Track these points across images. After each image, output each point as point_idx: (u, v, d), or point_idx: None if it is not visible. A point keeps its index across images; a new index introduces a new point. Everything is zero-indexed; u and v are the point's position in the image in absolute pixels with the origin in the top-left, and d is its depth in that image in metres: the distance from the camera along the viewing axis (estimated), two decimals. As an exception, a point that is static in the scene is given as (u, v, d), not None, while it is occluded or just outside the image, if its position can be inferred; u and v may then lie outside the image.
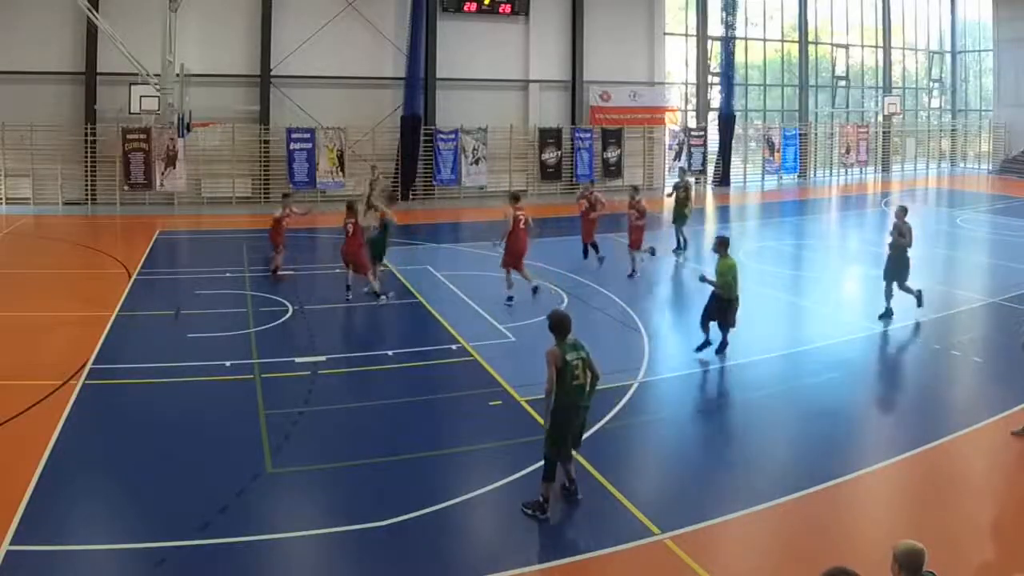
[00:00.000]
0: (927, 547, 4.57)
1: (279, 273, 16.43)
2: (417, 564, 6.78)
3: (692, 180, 21.01)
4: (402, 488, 7.95)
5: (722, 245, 11.86)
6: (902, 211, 13.98)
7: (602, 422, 9.40)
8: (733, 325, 11.84)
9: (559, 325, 7.60)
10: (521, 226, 14.88)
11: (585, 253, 18.36)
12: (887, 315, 13.71)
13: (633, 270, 17.06)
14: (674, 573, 6.69)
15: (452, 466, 8.69)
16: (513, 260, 14.88)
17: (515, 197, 15.46)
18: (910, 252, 13.74)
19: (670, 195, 20.79)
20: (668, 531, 7.16)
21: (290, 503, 7.87)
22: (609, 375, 10.96)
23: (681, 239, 19.76)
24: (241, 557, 6.83)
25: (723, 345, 11.87)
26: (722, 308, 11.76)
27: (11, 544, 6.75)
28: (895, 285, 13.72)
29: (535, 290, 15.01)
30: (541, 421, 8.00)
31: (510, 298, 14.64)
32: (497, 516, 7.73)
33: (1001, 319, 13.98)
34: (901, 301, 13.72)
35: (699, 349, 11.78)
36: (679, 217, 19.92)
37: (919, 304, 13.79)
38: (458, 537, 7.40)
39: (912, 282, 13.82)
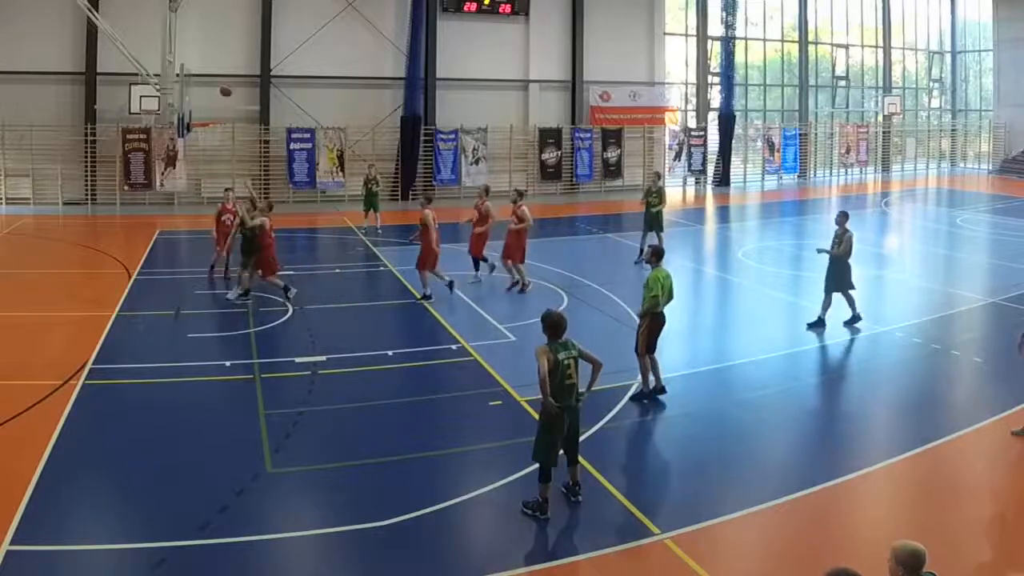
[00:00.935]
0: (927, 547, 4.55)
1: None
2: (417, 564, 6.77)
3: (663, 185, 19.06)
4: (402, 488, 7.95)
5: (655, 256, 10.48)
6: (843, 217, 13.34)
7: (602, 422, 9.41)
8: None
9: (553, 326, 7.63)
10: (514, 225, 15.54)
11: (476, 266, 16.33)
12: (818, 324, 13.07)
13: (516, 283, 15.59)
14: (674, 573, 6.69)
15: (452, 466, 8.68)
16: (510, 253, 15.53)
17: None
18: (851, 260, 13.15)
19: (641, 202, 18.92)
20: (668, 531, 7.15)
21: (290, 503, 7.86)
22: (609, 375, 10.97)
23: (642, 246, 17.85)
24: (241, 557, 6.83)
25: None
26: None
27: (11, 544, 6.74)
28: (833, 295, 13.11)
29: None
30: (537, 416, 8.00)
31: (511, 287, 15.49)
32: (497, 516, 7.73)
33: (1001, 319, 13.98)
34: (899, 303, 13.73)
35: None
36: (654, 224, 18.44)
37: (854, 320, 13.18)
38: (458, 537, 7.40)
39: (908, 281, 13.77)
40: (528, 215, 15.57)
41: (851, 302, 13.22)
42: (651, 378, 10.23)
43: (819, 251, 13.44)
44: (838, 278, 13.12)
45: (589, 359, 7.63)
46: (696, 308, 15.37)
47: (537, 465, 7.48)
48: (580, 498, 7.73)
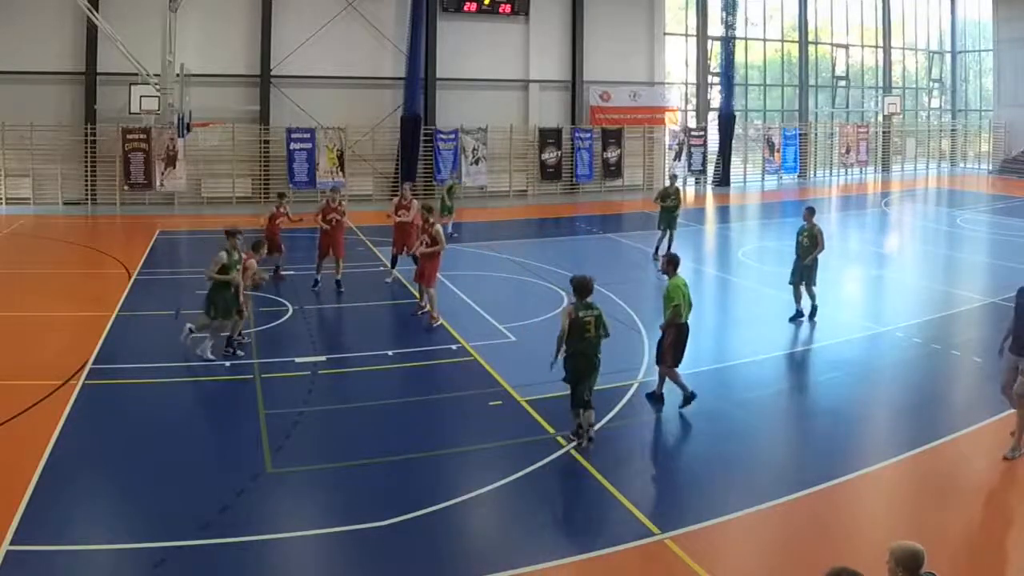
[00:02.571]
0: (926, 547, 4.55)
1: (280, 273, 16.37)
2: (417, 564, 6.78)
3: (679, 186, 19.32)
4: (402, 488, 7.95)
5: (671, 265, 10.29)
6: (809, 212, 13.88)
7: (602, 422, 9.40)
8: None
9: (578, 287, 8.77)
10: None
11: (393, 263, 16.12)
12: (798, 316, 13.63)
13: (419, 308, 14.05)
14: (674, 573, 6.69)
15: (452, 466, 8.68)
16: None
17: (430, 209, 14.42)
18: (820, 255, 13.65)
19: (656, 202, 19.07)
20: (668, 531, 7.16)
21: (290, 503, 7.87)
22: (609, 375, 10.99)
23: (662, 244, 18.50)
24: (241, 557, 6.83)
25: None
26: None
27: (11, 544, 6.74)
28: (803, 287, 13.63)
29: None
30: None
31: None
32: (497, 516, 7.74)
33: (1001, 319, 13.88)
34: (899, 303, 13.72)
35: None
36: (670, 225, 18.62)
37: (812, 315, 13.62)
38: (458, 537, 7.40)
39: (908, 281, 13.79)
40: (442, 237, 13.61)
41: (799, 298, 13.76)
42: (668, 386, 10.07)
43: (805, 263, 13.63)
44: (807, 271, 13.65)
45: (602, 326, 8.74)
46: (696, 308, 15.27)
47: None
48: (585, 443, 8.65)
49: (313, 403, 10.16)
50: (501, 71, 30.34)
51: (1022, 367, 8.70)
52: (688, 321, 10.02)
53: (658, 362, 10.11)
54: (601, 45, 31.50)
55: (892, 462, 8.63)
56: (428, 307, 13.57)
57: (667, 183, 19.84)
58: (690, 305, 10.08)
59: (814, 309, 13.74)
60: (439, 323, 13.24)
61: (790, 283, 13.78)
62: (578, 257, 18.49)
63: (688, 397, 9.91)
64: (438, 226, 13.64)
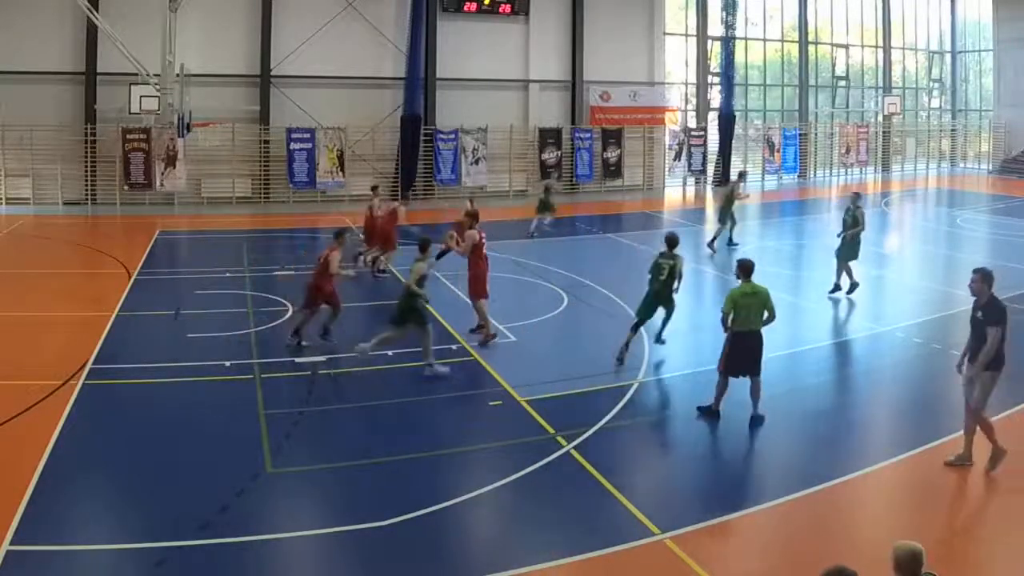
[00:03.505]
0: (926, 548, 4.57)
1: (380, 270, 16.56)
2: (417, 564, 6.77)
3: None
4: (402, 488, 7.95)
5: (743, 270, 9.76)
6: (855, 196, 16.08)
7: (602, 422, 9.41)
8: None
9: (669, 241, 11.76)
10: None
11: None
12: (836, 290, 15.28)
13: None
14: (674, 573, 6.69)
15: (452, 466, 8.68)
16: None
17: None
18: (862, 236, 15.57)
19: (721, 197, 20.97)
20: (668, 531, 7.15)
21: (290, 503, 7.87)
22: (609, 375, 11.01)
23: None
24: (241, 557, 6.83)
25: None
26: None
27: (11, 544, 6.74)
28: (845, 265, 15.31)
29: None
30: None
31: None
32: (497, 516, 7.74)
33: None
34: (899, 303, 13.72)
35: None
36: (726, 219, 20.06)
37: (851, 290, 15.24)
38: (458, 537, 7.40)
39: (908, 281, 13.84)
40: (470, 239, 12.76)
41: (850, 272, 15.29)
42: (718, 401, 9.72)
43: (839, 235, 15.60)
44: (852, 251, 15.40)
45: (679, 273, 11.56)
46: (696, 308, 15.36)
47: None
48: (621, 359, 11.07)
49: (313, 403, 10.17)
50: (501, 71, 30.33)
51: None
52: (755, 331, 9.47)
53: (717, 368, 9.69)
54: (601, 45, 31.49)
55: (892, 462, 8.63)
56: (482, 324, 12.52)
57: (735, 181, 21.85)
58: (763, 314, 9.45)
59: (853, 286, 15.25)
60: (493, 340, 12.31)
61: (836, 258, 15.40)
62: (578, 257, 18.48)
63: (711, 411, 9.60)
64: (470, 231, 12.78)
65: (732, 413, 10.00)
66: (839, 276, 15.22)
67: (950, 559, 6.66)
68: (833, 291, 15.20)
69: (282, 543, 7.05)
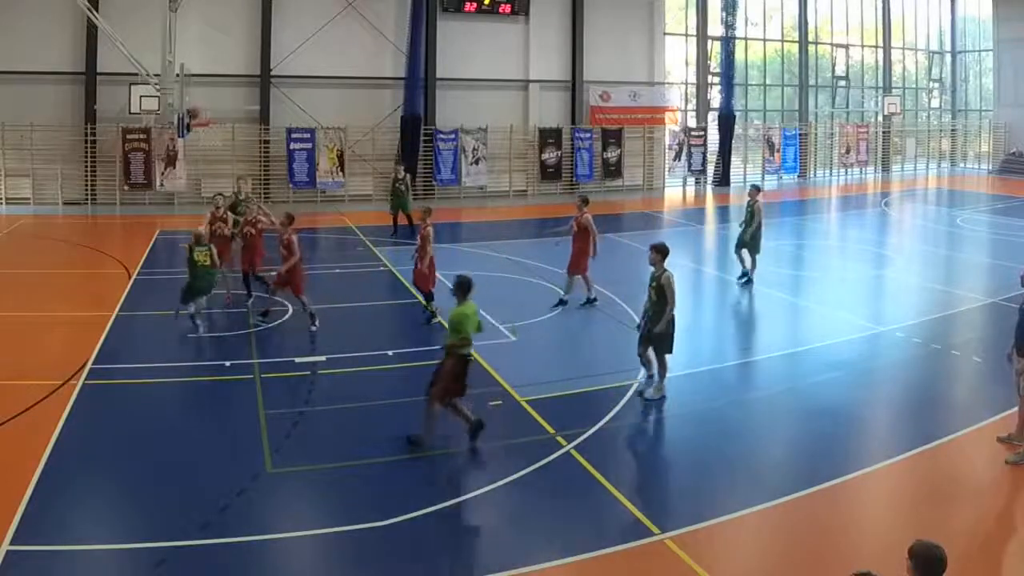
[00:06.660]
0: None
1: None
2: (417, 564, 6.78)
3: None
4: (402, 488, 7.95)
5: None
6: (754, 191, 16.82)
7: (601, 422, 9.41)
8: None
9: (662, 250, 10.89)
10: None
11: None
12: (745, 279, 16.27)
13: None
14: (674, 573, 6.69)
15: (452, 466, 8.69)
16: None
17: (584, 200, 14.79)
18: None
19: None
20: (668, 531, 7.16)
21: (290, 503, 7.87)
22: (609, 375, 11.00)
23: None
24: (241, 557, 6.83)
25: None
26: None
27: (11, 544, 6.75)
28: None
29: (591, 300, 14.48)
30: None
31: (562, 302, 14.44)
32: (497, 516, 7.74)
33: (1001, 319, 13.93)
34: (899, 303, 13.68)
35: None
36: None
37: (743, 276, 16.32)
38: (459, 537, 7.41)
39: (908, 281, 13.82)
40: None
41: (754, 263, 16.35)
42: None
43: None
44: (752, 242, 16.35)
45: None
46: (696, 308, 15.38)
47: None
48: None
49: (313, 403, 10.17)
50: (501, 71, 30.32)
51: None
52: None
53: None
54: (601, 45, 31.48)
55: (892, 462, 8.63)
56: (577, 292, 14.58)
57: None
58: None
59: (745, 273, 16.33)
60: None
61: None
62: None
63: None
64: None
65: (732, 413, 10.02)
66: (744, 264, 16.38)
67: (950, 559, 6.64)
68: (742, 278, 16.35)
69: (282, 543, 7.05)
